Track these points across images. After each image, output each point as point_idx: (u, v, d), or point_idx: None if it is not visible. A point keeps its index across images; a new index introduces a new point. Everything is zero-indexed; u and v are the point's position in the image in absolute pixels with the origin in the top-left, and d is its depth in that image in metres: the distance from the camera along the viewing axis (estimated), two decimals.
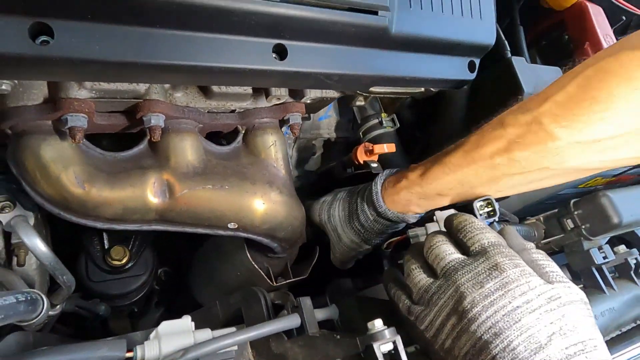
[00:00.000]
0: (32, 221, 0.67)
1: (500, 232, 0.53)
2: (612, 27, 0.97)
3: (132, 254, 0.91)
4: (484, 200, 0.63)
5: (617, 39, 0.96)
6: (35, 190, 0.59)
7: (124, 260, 0.89)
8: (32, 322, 0.59)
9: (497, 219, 0.61)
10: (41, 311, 0.59)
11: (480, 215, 0.62)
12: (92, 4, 0.43)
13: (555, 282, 0.45)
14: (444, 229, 0.66)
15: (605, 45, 0.86)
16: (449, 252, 0.50)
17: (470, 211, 0.61)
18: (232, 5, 0.50)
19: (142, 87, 0.60)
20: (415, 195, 0.68)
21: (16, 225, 0.63)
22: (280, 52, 0.57)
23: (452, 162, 0.62)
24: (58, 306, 0.74)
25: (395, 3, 0.62)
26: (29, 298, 0.54)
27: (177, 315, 0.52)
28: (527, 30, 0.96)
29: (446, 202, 0.68)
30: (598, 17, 0.89)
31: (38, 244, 0.64)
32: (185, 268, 1.04)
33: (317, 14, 0.56)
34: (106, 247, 0.89)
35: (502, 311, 0.43)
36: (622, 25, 1.13)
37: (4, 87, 0.52)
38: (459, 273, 0.47)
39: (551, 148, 0.53)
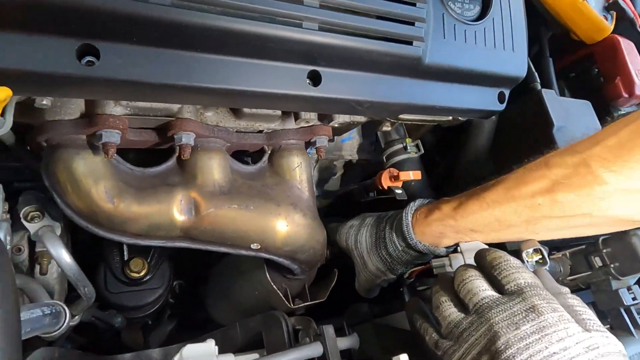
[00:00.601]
0: (58, 231, 0.68)
1: (534, 274, 0.52)
2: None
3: (150, 267, 0.91)
4: (534, 249, 0.61)
5: None
6: (66, 203, 0.60)
7: (142, 273, 0.89)
8: (54, 334, 0.60)
9: (547, 268, 0.59)
10: (64, 323, 0.60)
11: (528, 262, 0.60)
12: (139, 28, 0.45)
13: (593, 331, 0.44)
14: (469, 262, 0.66)
15: (637, 81, 0.85)
16: (482, 288, 0.49)
17: (518, 257, 0.59)
18: (269, 32, 0.51)
19: (175, 106, 0.61)
20: (448, 229, 0.67)
21: (44, 236, 0.64)
22: (315, 78, 0.57)
23: (491, 198, 0.61)
24: (77, 317, 0.74)
25: (430, 34, 0.62)
26: (53, 311, 0.54)
27: (190, 329, 0.51)
28: (556, 62, 0.95)
29: (479, 239, 0.66)
30: (630, 52, 0.88)
31: (63, 255, 0.64)
32: (201, 282, 1.04)
33: (353, 42, 0.56)
34: (125, 258, 0.90)
35: (538, 356, 0.42)
36: None
37: (44, 102, 0.53)
38: (493, 311, 0.46)
39: (597, 192, 0.52)
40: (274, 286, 0.77)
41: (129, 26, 0.44)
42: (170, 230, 0.65)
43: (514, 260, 0.51)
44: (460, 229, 0.65)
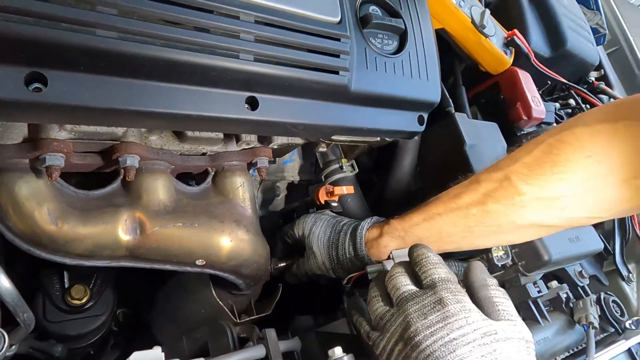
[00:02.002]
0: None
1: (468, 267, 0.58)
2: (539, 89, 1.13)
3: (92, 293, 0.90)
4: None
5: (544, 100, 1.11)
6: (7, 226, 0.60)
7: (84, 300, 0.88)
8: None
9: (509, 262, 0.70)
10: (2, 348, 0.59)
11: (494, 256, 0.71)
12: (86, 58, 0.49)
13: (503, 320, 0.50)
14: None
15: (532, 105, 0.99)
16: (404, 284, 0.55)
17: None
18: (209, 62, 0.57)
19: (119, 130, 0.64)
20: (395, 241, 0.74)
21: None
22: (252, 104, 0.63)
23: (432, 211, 0.70)
24: (13, 346, 0.72)
25: (354, 65, 0.71)
26: None
27: None
28: (469, 90, 1.09)
29: None
30: (527, 81, 1.03)
31: (2, 280, 0.64)
32: (146, 308, 1.03)
33: (286, 72, 0.63)
34: (66, 285, 0.88)
35: (440, 341, 0.47)
36: (548, 89, 1.30)
37: None
38: (409, 303, 0.52)
39: (518, 202, 0.62)
40: (220, 302, 0.80)
41: (76, 56, 0.48)
42: (116, 250, 0.66)
43: (433, 257, 0.58)
44: (408, 241, 0.73)
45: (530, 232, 0.68)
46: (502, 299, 0.54)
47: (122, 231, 0.66)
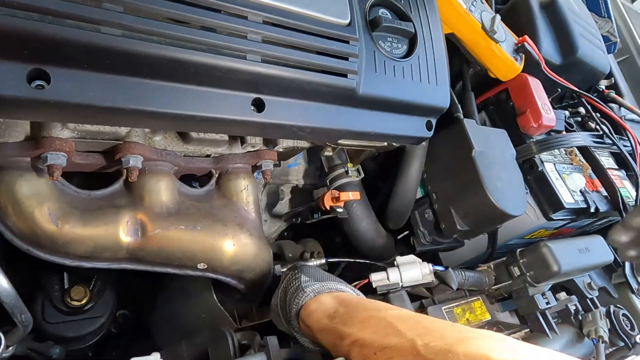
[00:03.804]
0: None
1: None
2: (549, 97, 1.11)
3: (92, 294, 0.89)
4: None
5: (554, 108, 1.09)
6: (6, 225, 0.59)
7: (83, 301, 0.86)
8: None
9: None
10: None
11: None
12: (90, 55, 0.48)
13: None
14: (405, 274, 0.72)
15: (543, 112, 0.98)
16: None
17: None
18: (216, 62, 0.56)
19: (123, 130, 0.63)
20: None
21: None
22: (259, 105, 0.62)
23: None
24: (10, 348, 0.71)
25: (363, 68, 0.70)
26: None
27: None
28: (477, 96, 1.08)
29: None
30: (537, 88, 1.02)
31: (0, 281, 0.63)
32: (146, 311, 1.02)
33: (293, 74, 0.62)
34: (66, 286, 0.87)
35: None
36: (558, 96, 1.29)
37: None
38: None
39: None
40: (221, 307, 0.79)
41: (80, 53, 0.47)
42: (117, 252, 0.65)
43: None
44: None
45: None
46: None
47: (124, 233, 0.65)
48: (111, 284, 0.94)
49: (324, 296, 0.62)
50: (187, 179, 0.79)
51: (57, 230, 0.60)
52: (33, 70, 0.46)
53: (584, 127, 1.25)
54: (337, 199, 0.83)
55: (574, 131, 1.17)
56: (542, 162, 1.00)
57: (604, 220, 1.14)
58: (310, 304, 0.61)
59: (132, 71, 0.51)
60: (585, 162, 1.11)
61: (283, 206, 1.16)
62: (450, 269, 0.78)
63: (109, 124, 0.58)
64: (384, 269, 0.76)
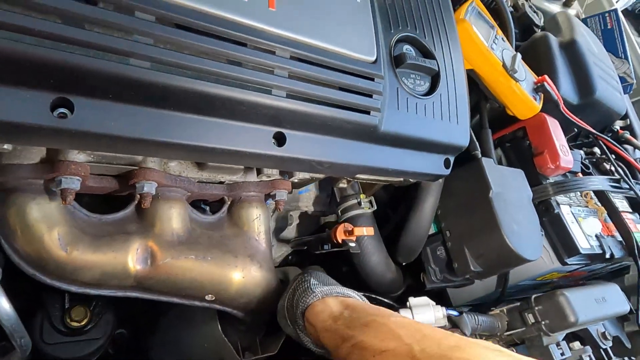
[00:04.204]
0: None
1: None
2: (565, 136, 1.10)
3: (93, 315, 0.86)
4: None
5: (570, 148, 1.08)
6: (14, 248, 0.58)
7: (83, 322, 0.84)
8: None
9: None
10: None
11: None
12: (116, 86, 0.47)
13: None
14: (417, 317, 0.70)
15: (561, 154, 0.96)
16: None
17: None
18: (241, 96, 0.55)
19: (139, 156, 0.62)
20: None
21: None
22: (280, 140, 0.61)
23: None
24: None
25: (385, 105, 0.69)
26: None
27: None
28: (494, 132, 1.06)
29: None
30: (555, 129, 1.01)
31: (2, 304, 0.61)
32: (144, 332, 1.00)
33: (317, 109, 0.61)
34: (66, 306, 0.85)
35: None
36: (574, 135, 1.28)
37: (5, 146, 0.52)
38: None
39: None
40: (225, 339, 0.76)
41: (107, 84, 0.46)
42: (124, 280, 0.63)
43: None
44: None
45: None
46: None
47: (132, 261, 0.63)
48: (112, 304, 0.92)
49: (331, 299, 0.66)
50: (197, 200, 0.77)
51: (65, 257, 0.58)
52: (57, 99, 0.45)
53: (598, 168, 1.24)
54: (351, 232, 0.82)
55: (590, 173, 1.16)
56: (558, 204, 0.98)
57: (616, 265, 1.12)
58: (317, 304, 0.65)
59: (156, 103, 0.50)
60: (600, 205, 1.09)
61: (290, 231, 1.14)
62: (464, 314, 0.75)
63: (128, 153, 0.57)
64: (397, 310, 0.73)
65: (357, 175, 0.77)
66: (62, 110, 0.46)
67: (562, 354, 0.79)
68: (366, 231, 0.80)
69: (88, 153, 0.59)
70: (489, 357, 0.44)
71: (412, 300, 0.73)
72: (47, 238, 0.58)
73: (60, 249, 0.58)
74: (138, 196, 0.63)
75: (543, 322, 0.78)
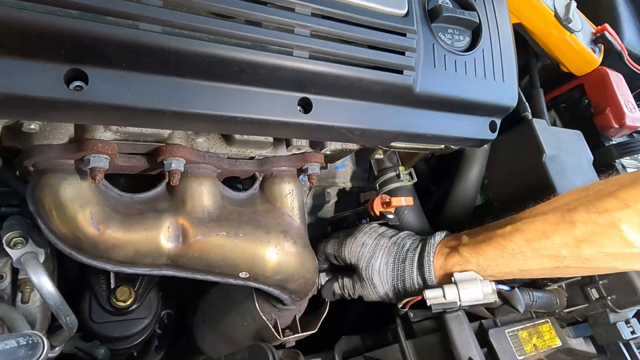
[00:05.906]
0: (42, 258, 0.66)
1: None
2: (631, 91, 0.98)
3: (137, 295, 0.88)
4: None
5: (637, 105, 0.96)
6: (50, 228, 0.59)
7: (128, 302, 0.86)
8: None
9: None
10: (41, 355, 0.57)
11: None
12: (129, 54, 0.45)
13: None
14: (462, 292, 0.65)
15: (627, 112, 0.86)
16: None
17: None
18: (260, 59, 0.51)
19: (165, 132, 0.61)
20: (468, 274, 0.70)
21: (26, 263, 0.63)
22: (305, 106, 0.57)
23: (512, 248, 0.63)
24: (57, 348, 0.71)
25: (420, 63, 0.63)
26: (30, 342, 0.52)
27: None
28: (547, 93, 0.97)
29: (494, 279, 0.69)
30: (619, 84, 0.90)
31: (45, 284, 0.62)
32: (190, 312, 1.01)
33: (343, 70, 0.57)
34: (112, 286, 0.87)
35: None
36: None
37: (32, 126, 0.52)
38: None
39: (627, 254, 0.53)
40: (263, 317, 0.75)
41: (118, 52, 0.44)
42: (157, 258, 0.63)
43: None
44: (485, 275, 0.68)
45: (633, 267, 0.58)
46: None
47: (165, 238, 0.63)
48: (156, 284, 0.93)
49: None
50: (231, 180, 0.76)
51: (98, 235, 0.59)
52: (70, 70, 0.44)
53: None
54: (388, 204, 0.77)
55: None
56: (623, 167, 0.88)
57: None
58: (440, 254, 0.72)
59: (172, 70, 0.48)
60: None
61: (329, 209, 1.11)
62: (516, 289, 0.69)
63: (149, 126, 0.56)
64: (440, 286, 0.68)
65: (393, 144, 0.72)
66: (77, 83, 0.45)
67: (633, 332, 0.71)
68: (405, 201, 0.75)
69: (114, 131, 0.58)
70: None
71: (458, 275, 0.68)
72: (80, 217, 0.58)
73: (93, 228, 0.58)
74: (167, 174, 0.62)
75: (609, 298, 0.70)
